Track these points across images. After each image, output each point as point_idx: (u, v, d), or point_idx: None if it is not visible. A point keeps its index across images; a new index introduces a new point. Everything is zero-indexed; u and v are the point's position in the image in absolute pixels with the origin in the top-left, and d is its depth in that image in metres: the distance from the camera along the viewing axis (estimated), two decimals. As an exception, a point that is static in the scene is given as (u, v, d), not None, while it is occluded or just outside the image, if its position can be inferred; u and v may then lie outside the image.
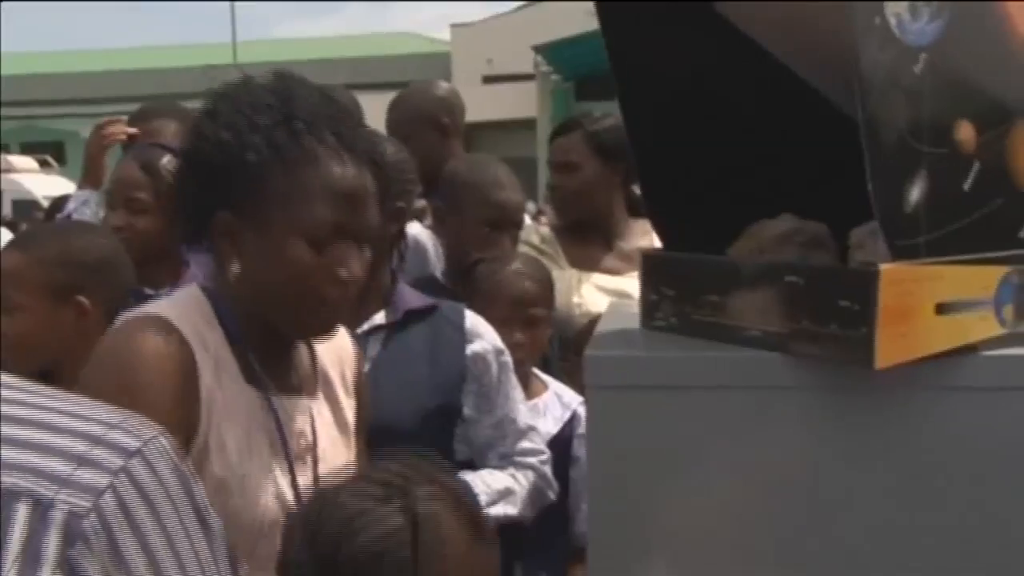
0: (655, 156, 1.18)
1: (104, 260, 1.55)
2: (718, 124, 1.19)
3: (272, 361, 1.09)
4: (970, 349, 0.96)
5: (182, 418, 0.97)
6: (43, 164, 15.81)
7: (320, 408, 1.13)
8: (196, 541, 0.44)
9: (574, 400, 1.79)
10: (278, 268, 1.04)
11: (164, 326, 1.02)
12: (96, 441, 0.41)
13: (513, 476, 1.57)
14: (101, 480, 0.40)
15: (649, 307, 1.17)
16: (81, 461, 0.40)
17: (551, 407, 1.80)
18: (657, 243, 2.15)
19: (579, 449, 1.76)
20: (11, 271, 1.49)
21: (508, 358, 1.61)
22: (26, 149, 19.53)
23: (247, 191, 1.03)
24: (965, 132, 0.94)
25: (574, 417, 1.78)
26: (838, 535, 0.98)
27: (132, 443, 0.42)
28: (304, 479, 1.08)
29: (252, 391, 1.06)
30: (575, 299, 2.06)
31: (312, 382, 1.14)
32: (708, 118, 1.18)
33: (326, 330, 1.11)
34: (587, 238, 2.18)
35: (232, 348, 1.06)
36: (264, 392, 1.06)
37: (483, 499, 1.48)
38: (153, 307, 1.08)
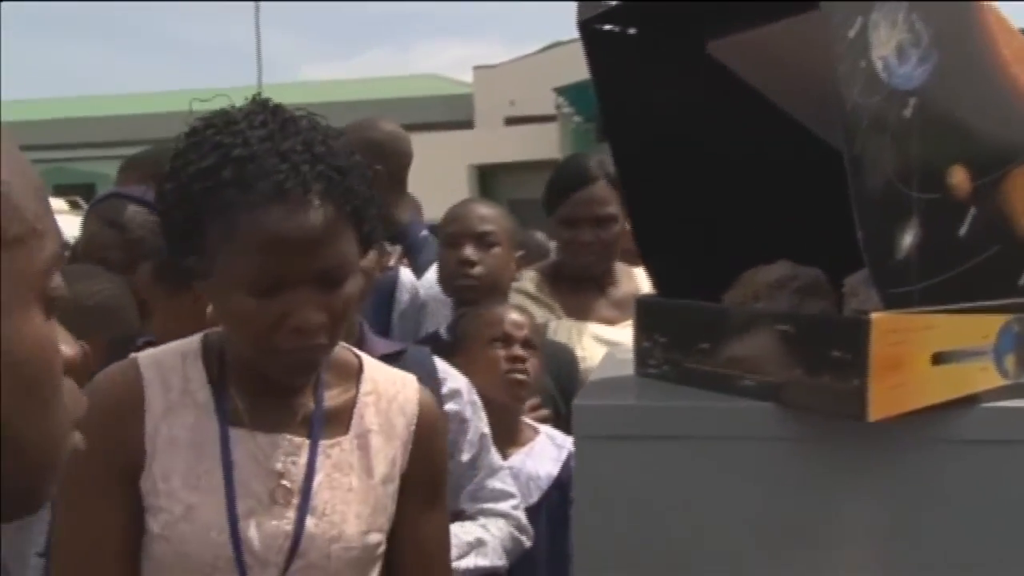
0: (647, 198, 1.16)
1: (103, 305, 1.55)
2: (713, 165, 1.17)
3: (264, 398, 1.09)
4: (969, 400, 0.93)
5: (120, 446, 1.04)
6: (74, 205, 16.07)
7: (331, 451, 1.09)
8: None
9: (566, 441, 1.79)
10: (228, 319, 1.04)
11: (119, 371, 1.09)
12: None
13: (484, 527, 1.55)
14: None
15: (642, 354, 1.15)
16: None
17: (546, 449, 1.78)
18: (644, 288, 2.14)
19: None
20: None
21: (478, 398, 1.61)
22: (58, 191, 19.88)
23: (194, 241, 1.01)
24: (959, 177, 0.92)
25: (570, 457, 1.77)
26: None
27: None
28: (280, 522, 1.05)
29: (214, 425, 1.06)
30: (578, 351, 2.01)
31: (333, 423, 1.11)
32: (703, 159, 1.17)
33: (293, 377, 1.07)
34: (580, 285, 2.13)
35: (213, 386, 1.08)
36: (224, 426, 1.06)
37: (454, 552, 1.45)
38: (146, 350, 1.13)
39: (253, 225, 0.96)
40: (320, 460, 1.08)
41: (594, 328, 2.07)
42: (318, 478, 1.07)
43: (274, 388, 1.08)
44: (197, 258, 1.02)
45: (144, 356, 1.10)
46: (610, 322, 2.09)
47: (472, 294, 1.91)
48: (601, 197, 2.05)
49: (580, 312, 2.09)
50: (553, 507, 1.76)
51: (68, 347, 0.65)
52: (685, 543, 0.99)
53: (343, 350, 1.16)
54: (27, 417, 0.54)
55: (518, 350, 1.75)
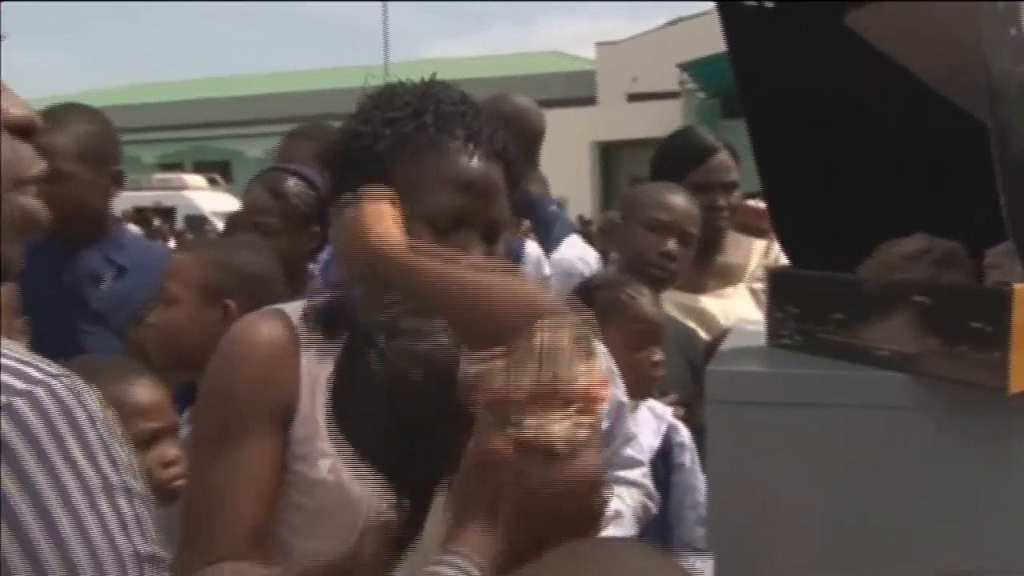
0: (781, 170, 1.17)
1: (259, 275, 1.67)
2: (848, 137, 1.17)
3: None
4: (1117, 375, 0.91)
5: (277, 388, 1.09)
6: (212, 182, 16.90)
7: None
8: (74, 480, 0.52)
9: (665, 411, 1.82)
10: None
11: (271, 316, 1.14)
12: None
13: (619, 497, 1.59)
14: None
15: (774, 324, 1.17)
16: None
17: (647, 421, 1.81)
18: (754, 259, 2.18)
19: (680, 456, 1.78)
20: (176, 266, 1.68)
21: (615, 366, 1.63)
22: (198, 168, 20.89)
23: (377, 178, 1.07)
24: (1112, 146, 0.90)
25: (670, 427, 1.80)
26: (963, 559, 0.94)
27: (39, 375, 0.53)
28: None
29: None
30: None
31: None
32: (838, 131, 1.17)
33: None
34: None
35: None
36: None
37: None
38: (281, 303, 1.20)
39: (450, 165, 1.07)
40: None
41: (679, 296, 2.10)
42: None
43: None
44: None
45: (286, 305, 1.16)
46: (703, 290, 2.13)
47: (661, 287, 1.95)
48: (729, 164, 2.18)
49: (689, 283, 2.12)
50: (658, 476, 1.79)
51: (17, 108, 0.66)
52: (815, 507, 1.00)
53: None
54: None
55: (659, 355, 1.78)
